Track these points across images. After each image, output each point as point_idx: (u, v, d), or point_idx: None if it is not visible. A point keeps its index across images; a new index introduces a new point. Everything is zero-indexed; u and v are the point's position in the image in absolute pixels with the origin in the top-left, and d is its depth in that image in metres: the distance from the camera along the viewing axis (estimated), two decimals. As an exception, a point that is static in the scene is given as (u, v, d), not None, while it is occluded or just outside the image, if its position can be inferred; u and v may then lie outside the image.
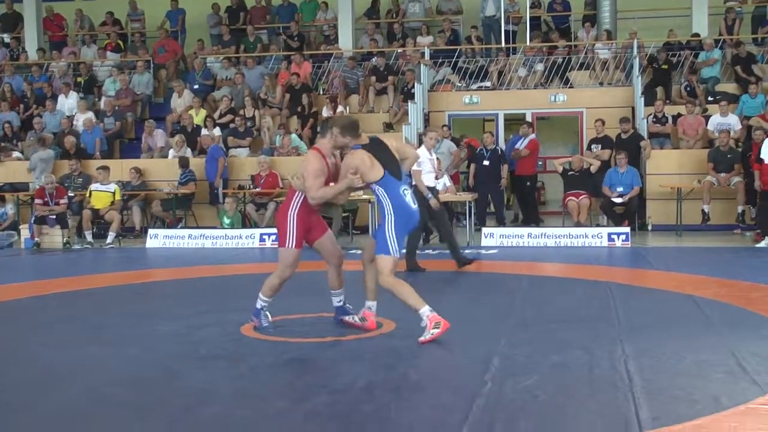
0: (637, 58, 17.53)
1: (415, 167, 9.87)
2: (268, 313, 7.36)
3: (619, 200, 14.54)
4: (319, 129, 16.90)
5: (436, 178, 11.14)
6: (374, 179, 6.82)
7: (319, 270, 7.38)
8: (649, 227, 15.20)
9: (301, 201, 7.10)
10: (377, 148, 6.89)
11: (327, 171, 7.00)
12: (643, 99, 16.64)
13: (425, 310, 6.73)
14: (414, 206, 6.86)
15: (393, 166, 6.86)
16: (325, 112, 17.57)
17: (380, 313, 7.52)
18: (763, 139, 13.37)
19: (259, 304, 7.31)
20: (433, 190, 10.81)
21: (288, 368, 6.12)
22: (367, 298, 7.32)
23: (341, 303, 7.51)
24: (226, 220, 15.06)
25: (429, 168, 10.78)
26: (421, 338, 6.65)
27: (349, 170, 6.82)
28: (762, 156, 13.14)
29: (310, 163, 6.96)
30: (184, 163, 16.16)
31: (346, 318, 7.41)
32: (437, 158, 10.97)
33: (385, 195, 6.82)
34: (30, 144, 17.70)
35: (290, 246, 7.10)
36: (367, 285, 7.26)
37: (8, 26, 22.61)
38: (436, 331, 6.62)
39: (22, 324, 8.17)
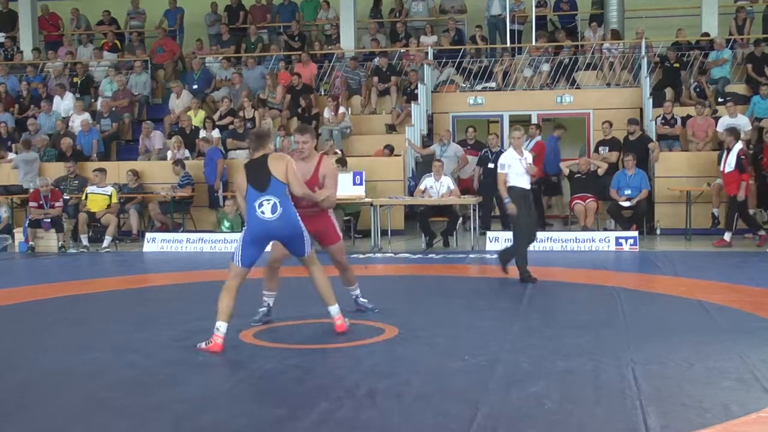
0: (646, 58, 17.55)
1: (500, 170, 10.13)
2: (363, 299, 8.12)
3: (627, 204, 14.55)
4: (320, 131, 16.97)
5: (533, 176, 10.48)
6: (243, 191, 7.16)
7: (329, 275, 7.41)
8: (658, 231, 15.21)
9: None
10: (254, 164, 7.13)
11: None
12: (651, 100, 16.66)
13: (219, 326, 6.85)
14: (266, 217, 6.94)
15: (258, 180, 7.05)
16: (327, 113, 17.60)
17: (383, 319, 7.54)
18: None
19: (353, 295, 8.13)
20: (523, 192, 10.11)
21: (288, 375, 6.14)
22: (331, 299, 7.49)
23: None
24: (227, 223, 15.08)
25: (519, 169, 10.11)
26: (199, 344, 6.86)
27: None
28: None
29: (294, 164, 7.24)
30: (181, 164, 16.16)
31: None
32: (526, 157, 10.22)
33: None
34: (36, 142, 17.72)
35: (341, 238, 7.88)
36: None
37: (3, 25, 22.65)
38: (207, 345, 6.80)
39: (18, 328, 8.19)
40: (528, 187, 10.21)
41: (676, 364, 6.15)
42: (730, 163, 13.41)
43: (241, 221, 15.35)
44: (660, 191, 15.36)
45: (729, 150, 13.52)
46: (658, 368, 6.04)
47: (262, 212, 6.96)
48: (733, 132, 13.67)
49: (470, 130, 16.97)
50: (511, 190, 10.08)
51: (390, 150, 16.51)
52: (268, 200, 6.97)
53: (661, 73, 17.95)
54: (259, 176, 7.03)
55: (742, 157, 13.36)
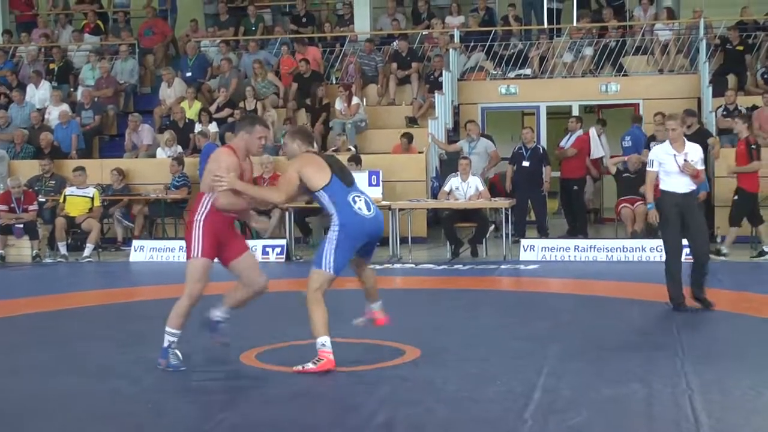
0: (704, 41, 17.47)
1: (649, 168, 9.47)
2: (177, 351, 7.08)
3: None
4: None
5: (695, 177, 9.31)
6: (320, 185, 6.96)
7: (331, 290, 7.40)
8: (718, 239, 15.13)
9: (208, 208, 7.04)
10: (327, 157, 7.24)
11: (240, 173, 7.06)
12: (711, 88, 16.58)
13: (323, 340, 6.83)
14: (364, 214, 7.00)
15: (345, 173, 7.13)
16: (339, 105, 17.62)
17: (403, 339, 7.54)
18: None
19: (167, 341, 7.00)
20: (674, 198, 9.33)
21: (295, 402, 6.14)
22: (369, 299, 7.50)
23: (220, 319, 7.43)
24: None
25: (673, 167, 9.29)
26: (296, 367, 6.84)
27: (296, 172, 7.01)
28: None
29: (222, 161, 6.99)
30: (180, 162, 16.19)
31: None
32: (687, 152, 9.32)
33: (332, 203, 6.99)
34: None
35: (196, 255, 7.01)
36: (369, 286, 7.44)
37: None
38: (316, 365, 6.79)
39: (-13, 350, 8.24)
40: (683, 191, 9.30)
41: (741, 392, 6.11)
42: None
43: (241, 227, 15.40)
44: (721, 193, 15.27)
45: None
46: (720, 397, 6.01)
47: (359, 209, 6.97)
48: None
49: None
50: (662, 194, 9.39)
51: (408, 140, 16.49)
52: (359, 196, 7.04)
53: (722, 58, 17.86)
54: (344, 169, 7.18)
55: None
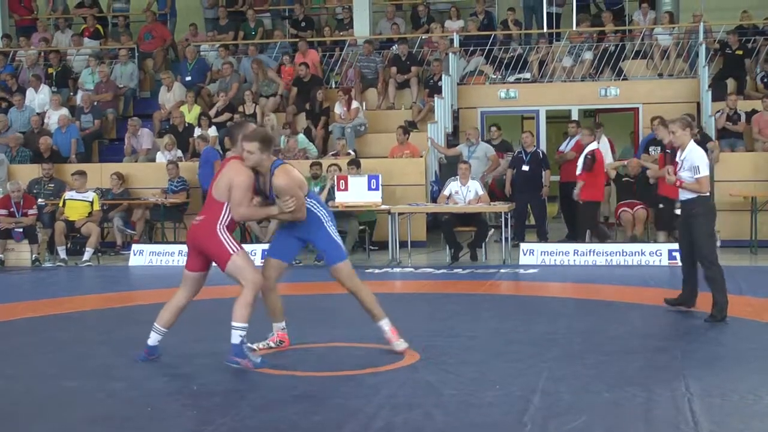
0: (704, 45, 17.49)
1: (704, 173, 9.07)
2: (250, 344, 7.28)
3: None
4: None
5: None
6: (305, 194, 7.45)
7: (331, 294, 7.41)
8: (718, 243, 15.11)
9: (229, 218, 7.27)
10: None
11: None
12: (710, 93, 16.59)
13: (385, 323, 7.44)
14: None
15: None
16: (338, 109, 17.63)
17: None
18: None
19: (237, 338, 7.03)
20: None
21: (295, 406, 6.14)
22: (275, 320, 7.79)
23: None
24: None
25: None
26: (399, 347, 7.43)
27: (293, 189, 7.30)
28: None
29: (241, 174, 7.22)
30: (175, 166, 16.19)
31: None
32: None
33: (315, 204, 7.58)
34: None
35: (236, 251, 7.20)
36: (275, 307, 7.72)
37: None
38: (402, 342, 7.44)
39: (-14, 354, 8.24)
40: (682, 198, 9.33)
41: (740, 396, 6.11)
42: None
43: (241, 232, 15.41)
44: (721, 197, 15.26)
45: None
46: (720, 401, 6.01)
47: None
48: None
49: (494, 129, 16.94)
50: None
51: (405, 132, 16.51)
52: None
53: (722, 62, 17.87)
54: None
55: None
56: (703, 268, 9.23)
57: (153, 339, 7.46)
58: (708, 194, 9.21)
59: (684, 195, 9.23)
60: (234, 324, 7.02)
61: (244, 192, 7.18)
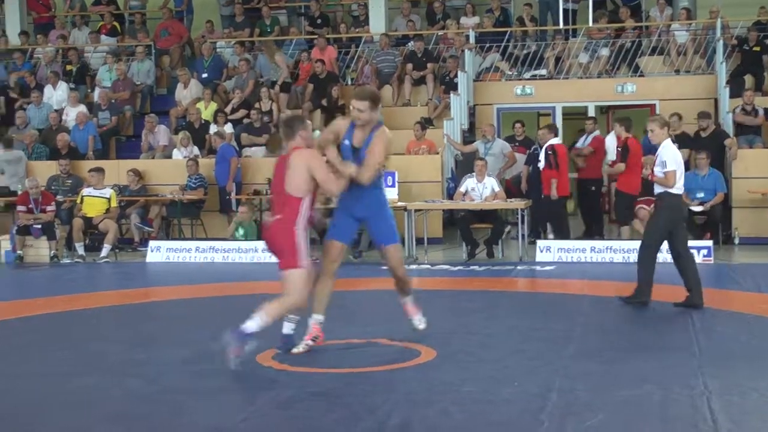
0: (721, 41, 17.41)
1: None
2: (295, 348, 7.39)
3: (699, 208, 14.42)
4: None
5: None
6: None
7: (348, 291, 7.43)
8: (736, 240, 15.07)
9: (307, 215, 7.24)
10: None
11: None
12: (728, 89, 16.52)
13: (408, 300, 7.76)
14: None
15: None
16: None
17: (419, 340, 7.54)
18: None
19: (252, 328, 6.99)
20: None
21: (311, 403, 6.14)
22: (317, 311, 7.59)
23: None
24: (240, 231, 15.11)
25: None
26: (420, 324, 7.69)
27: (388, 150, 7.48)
28: None
29: (314, 157, 7.32)
30: (195, 162, 16.21)
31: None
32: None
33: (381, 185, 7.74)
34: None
35: (304, 265, 7.16)
36: (324, 296, 7.58)
37: (-15, 6, 22.88)
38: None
39: (3, 349, 8.26)
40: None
41: (759, 394, 6.10)
42: None
43: (257, 229, 15.43)
44: (738, 194, 15.22)
45: None
46: (738, 399, 5.98)
47: None
48: None
49: (518, 125, 16.93)
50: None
51: (422, 128, 16.54)
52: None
53: (739, 58, 17.78)
54: None
55: None
56: (640, 248, 9.79)
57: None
58: (676, 192, 9.55)
59: (656, 189, 9.63)
60: (258, 315, 7.00)
61: (326, 170, 7.28)
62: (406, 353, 7.43)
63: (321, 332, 7.61)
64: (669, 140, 9.70)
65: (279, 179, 7.31)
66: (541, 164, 14.43)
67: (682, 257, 9.70)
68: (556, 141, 14.57)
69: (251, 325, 6.99)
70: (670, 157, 9.48)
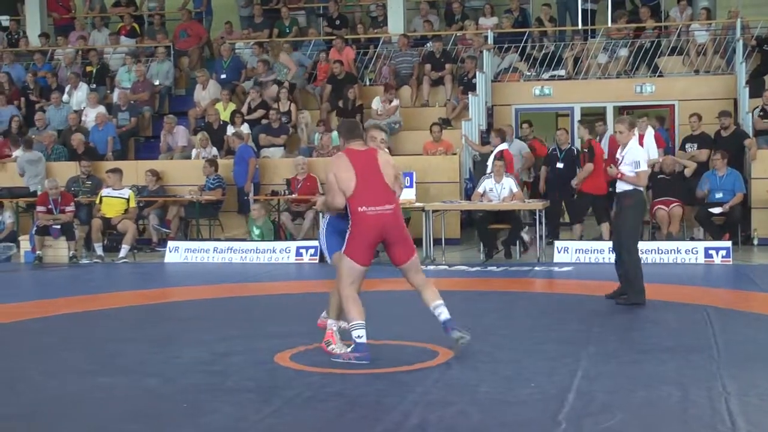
0: (741, 41, 17.34)
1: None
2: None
3: (718, 210, 14.36)
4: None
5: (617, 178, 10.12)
6: None
7: (366, 291, 7.43)
8: (755, 241, 15.01)
9: None
10: None
11: None
12: (747, 89, 16.45)
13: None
14: None
15: None
16: (376, 104, 17.53)
17: (435, 341, 7.54)
18: None
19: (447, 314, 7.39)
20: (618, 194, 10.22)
21: (329, 403, 6.14)
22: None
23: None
24: (256, 231, 15.14)
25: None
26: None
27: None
28: None
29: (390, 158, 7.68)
30: (214, 164, 16.24)
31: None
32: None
33: None
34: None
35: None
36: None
37: (6, 7, 22.99)
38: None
39: (23, 349, 8.31)
40: (618, 190, 10.07)
41: (778, 395, 6.06)
42: None
43: (274, 229, 15.46)
44: (757, 195, 15.16)
45: None
46: (757, 401, 5.95)
47: None
48: None
49: (525, 125, 16.92)
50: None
51: (440, 128, 16.61)
52: None
53: (759, 58, 17.71)
54: None
55: None
56: (622, 256, 9.88)
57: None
58: (642, 188, 9.99)
59: (621, 187, 9.89)
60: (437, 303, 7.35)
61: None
62: (422, 353, 7.43)
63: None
64: (635, 140, 10.11)
65: (372, 172, 7.38)
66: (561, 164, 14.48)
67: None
68: (505, 146, 14.93)
69: (445, 312, 7.38)
70: (642, 157, 9.86)
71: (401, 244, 7.39)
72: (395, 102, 17.57)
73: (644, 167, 9.85)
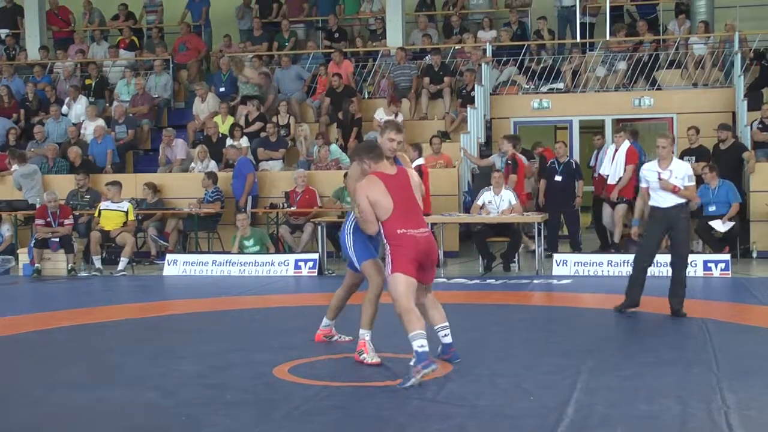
0: (739, 54, 17.38)
1: (641, 185, 10.22)
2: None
3: (718, 223, 14.29)
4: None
5: (675, 193, 9.87)
6: None
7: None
8: (754, 254, 15.01)
9: None
10: None
11: None
12: (746, 102, 16.47)
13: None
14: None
15: None
16: (379, 115, 17.43)
17: (434, 353, 7.53)
18: None
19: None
20: (669, 210, 9.96)
21: (327, 416, 6.14)
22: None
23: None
24: (246, 243, 15.02)
25: (656, 183, 10.06)
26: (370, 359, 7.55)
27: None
28: None
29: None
30: (213, 177, 16.23)
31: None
32: (672, 170, 9.91)
33: None
34: (29, 155, 17.94)
35: None
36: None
37: (6, 21, 23.03)
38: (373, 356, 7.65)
39: (22, 362, 8.30)
40: (666, 205, 9.83)
41: (777, 408, 6.06)
42: None
43: (274, 241, 15.45)
44: (756, 208, 15.16)
45: None
46: (757, 414, 5.96)
47: None
48: None
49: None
50: (650, 209, 10.02)
51: (439, 140, 16.69)
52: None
53: (757, 71, 17.74)
54: None
55: None
56: (680, 275, 10.02)
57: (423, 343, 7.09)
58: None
59: (673, 201, 9.82)
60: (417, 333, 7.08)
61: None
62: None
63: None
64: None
65: (407, 195, 7.39)
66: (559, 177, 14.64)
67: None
68: (421, 161, 15.07)
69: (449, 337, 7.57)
70: (691, 172, 9.88)
71: (432, 269, 7.46)
72: (400, 117, 17.50)
73: (693, 181, 9.97)
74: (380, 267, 7.62)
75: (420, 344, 6.85)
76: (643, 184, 10.12)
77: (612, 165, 14.85)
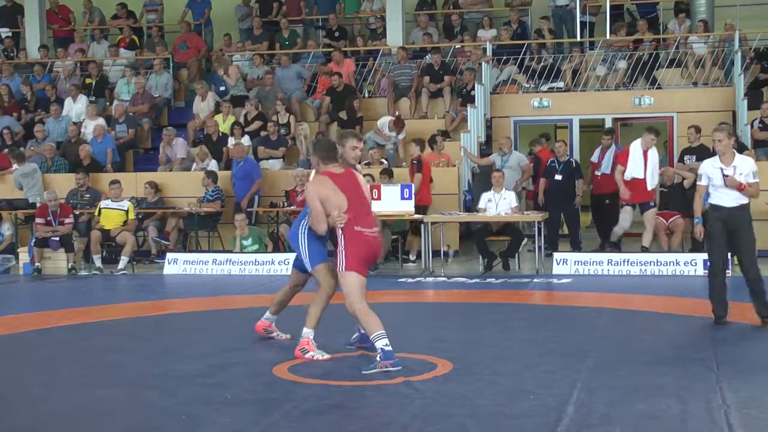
0: (739, 53, 17.37)
1: (698, 182, 9.52)
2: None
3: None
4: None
5: (740, 191, 9.22)
6: None
7: (370, 302, 7.44)
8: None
9: None
10: None
11: None
12: (746, 101, 16.46)
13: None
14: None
15: None
16: (382, 122, 17.40)
17: (435, 353, 7.53)
18: None
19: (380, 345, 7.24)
20: (733, 210, 9.26)
21: (328, 416, 6.14)
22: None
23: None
24: (244, 243, 15.01)
25: (719, 181, 9.29)
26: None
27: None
28: None
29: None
30: (213, 176, 16.21)
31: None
32: (736, 166, 9.25)
33: None
34: (29, 153, 17.94)
35: None
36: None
37: (6, 20, 23.02)
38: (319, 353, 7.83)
39: (21, 361, 8.30)
40: (731, 205, 9.17)
41: (777, 408, 6.06)
42: None
43: (275, 240, 15.44)
44: (756, 206, 14.94)
45: None
46: (757, 413, 5.95)
47: None
48: None
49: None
50: (710, 208, 9.38)
51: (441, 139, 16.67)
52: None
53: (757, 70, 17.73)
54: None
55: None
56: (753, 276, 9.34)
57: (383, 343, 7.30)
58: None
59: (735, 201, 9.19)
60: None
61: None
62: (421, 366, 7.42)
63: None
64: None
65: (359, 193, 7.57)
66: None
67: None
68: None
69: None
70: (756, 168, 9.29)
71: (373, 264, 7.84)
72: (397, 113, 17.45)
73: (758, 178, 9.25)
74: (333, 271, 7.71)
75: (385, 343, 7.19)
76: (702, 182, 9.38)
77: (648, 169, 14.18)
